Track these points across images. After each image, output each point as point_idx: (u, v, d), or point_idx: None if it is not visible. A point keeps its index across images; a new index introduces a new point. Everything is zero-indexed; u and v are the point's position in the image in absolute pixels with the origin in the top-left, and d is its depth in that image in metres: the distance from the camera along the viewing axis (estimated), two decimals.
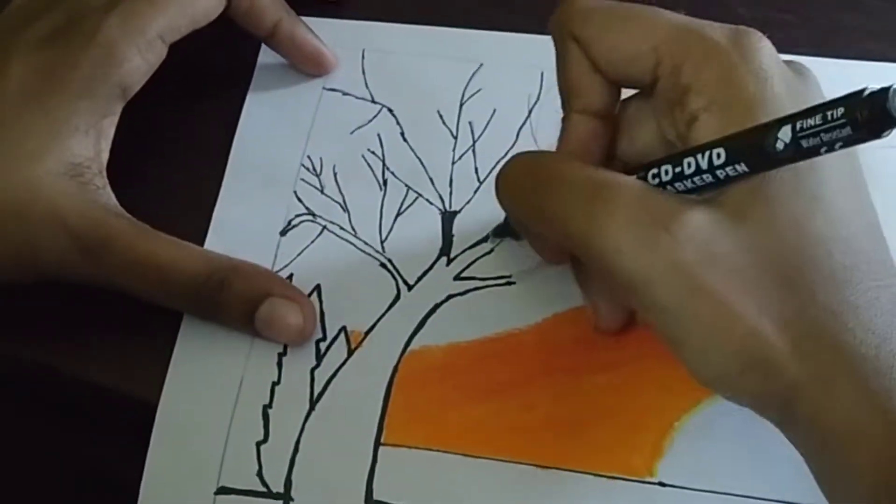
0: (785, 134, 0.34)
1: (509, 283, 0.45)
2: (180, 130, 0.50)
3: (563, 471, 0.41)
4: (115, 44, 0.44)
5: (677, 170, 0.37)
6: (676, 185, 0.37)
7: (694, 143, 0.37)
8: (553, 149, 0.48)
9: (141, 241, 0.43)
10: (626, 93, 0.41)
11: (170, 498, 0.42)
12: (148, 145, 0.49)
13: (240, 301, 0.43)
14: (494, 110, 0.50)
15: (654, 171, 0.38)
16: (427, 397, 0.43)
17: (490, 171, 0.48)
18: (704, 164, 0.36)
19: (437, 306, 0.45)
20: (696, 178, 0.37)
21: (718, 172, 0.36)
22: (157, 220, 0.44)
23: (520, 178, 0.40)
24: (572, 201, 0.37)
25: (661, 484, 0.41)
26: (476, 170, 0.48)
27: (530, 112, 0.49)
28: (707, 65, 0.37)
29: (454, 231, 0.47)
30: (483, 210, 0.47)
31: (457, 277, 0.46)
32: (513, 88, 0.50)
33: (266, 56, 0.51)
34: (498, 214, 0.46)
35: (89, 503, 0.48)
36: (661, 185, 0.38)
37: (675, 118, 0.38)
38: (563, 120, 0.41)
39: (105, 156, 0.45)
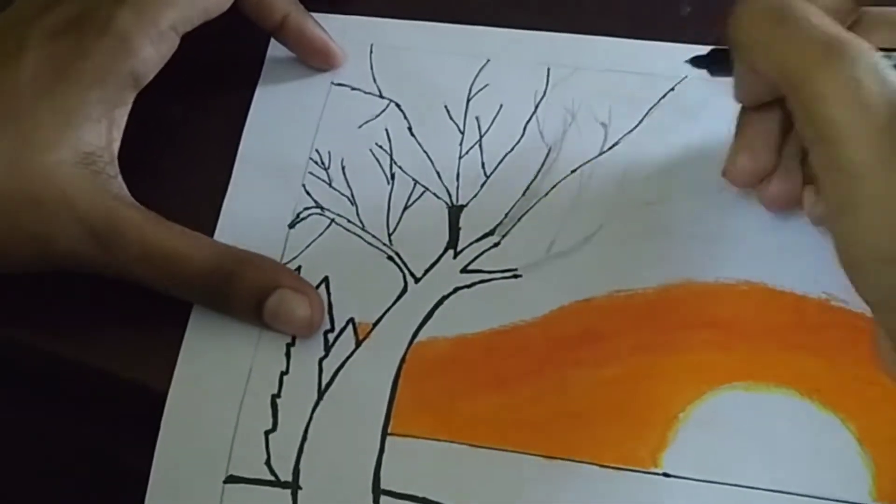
0: None
1: (516, 276, 0.46)
2: (191, 122, 0.50)
3: (569, 461, 0.42)
4: (127, 34, 0.45)
5: None
6: None
7: None
8: (558, 146, 0.49)
9: (151, 231, 0.43)
10: None
11: (179, 486, 0.42)
12: (159, 136, 0.50)
13: (249, 292, 0.44)
14: (501, 106, 0.50)
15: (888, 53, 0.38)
16: (434, 388, 0.43)
17: (496, 166, 0.48)
18: None
19: (444, 298, 0.45)
20: None
21: None
22: (167, 211, 0.45)
23: (764, 9, 0.39)
24: (809, 42, 0.37)
25: (666, 475, 0.41)
26: (483, 164, 0.48)
27: (536, 107, 0.50)
28: None
29: (461, 224, 0.47)
30: (490, 203, 0.47)
31: (464, 270, 0.46)
32: (519, 84, 0.50)
33: (275, 50, 0.52)
34: (505, 207, 0.47)
35: (99, 491, 0.49)
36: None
37: None
38: None
39: (116, 145, 0.45)
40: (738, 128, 0.44)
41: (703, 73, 0.46)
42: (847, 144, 0.35)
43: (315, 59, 0.51)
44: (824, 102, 0.36)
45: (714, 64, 0.45)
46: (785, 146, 0.44)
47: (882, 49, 0.38)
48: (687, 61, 0.46)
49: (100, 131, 0.44)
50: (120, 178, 0.44)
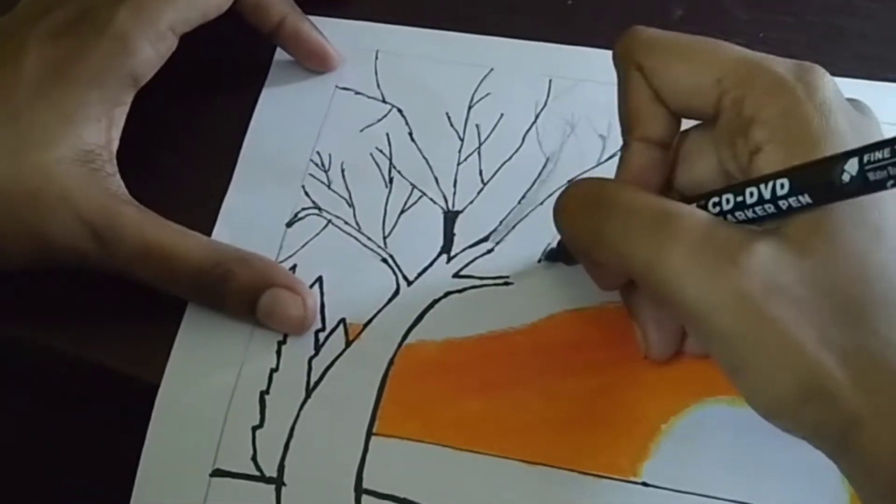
0: (852, 167, 0.34)
1: (507, 284, 0.46)
2: (194, 122, 0.51)
3: (551, 468, 0.42)
4: (126, 35, 0.45)
5: (739, 199, 0.37)
6: (737, 214, 0.37)
7: (756, 174, 0.37)
8: (556, 156, 0.49)
9: (148, 229, 0.44)
10: (686, 123, 0.42)
11: (166, 478, 0.43)
12: (161, 137, 0.50)
13: (242, 291, 0.44)
14: (502, 115, 0.51)
15: (715, 199, 0.38)
16: (421, 391, 0.44)
17: (494, 174, 0.49)
18: (767, 195, 0.36)
19: (435, 302, 0.46)
20: (757, 208, 0.37)
21: (781, 203, 0.36)
22: (166, 210, 0.45)
23: (580, 204, 0.40)
24: (635, 229, 0.37)
25: (645, 484, 0.41)
26: (480, 171, 0.49)
27: (537, 118, 0.50)
28: (771, 98, 0.37)
29: (456, 230, 0.48)
30: (485, 210, 0.48)
31: (456, 275, 0.46)
32: (521, 94, 0.51)
33: (282, 53, 0.52)
34: (500, 215, 0.47)
35: (87, 480, 0.49)
36: (722, 213, 0.38)
37: (737, 150, 0.38)
38: (623, 148, 0.41)
39: (115, 144, 0.46)
40: (629, 308, 0.43)
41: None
42: (712, 318, 0.35)
43: (311, 61, 0.52)
44: (675, 284, 0.36)
45: (567, 255, 0.45)
46: None
47: (701, 201, 0.38)
48: (541, 257, 0.46)
49: (99, 130, 0.45)
50: (118, 176, 0.45)
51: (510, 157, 0.49)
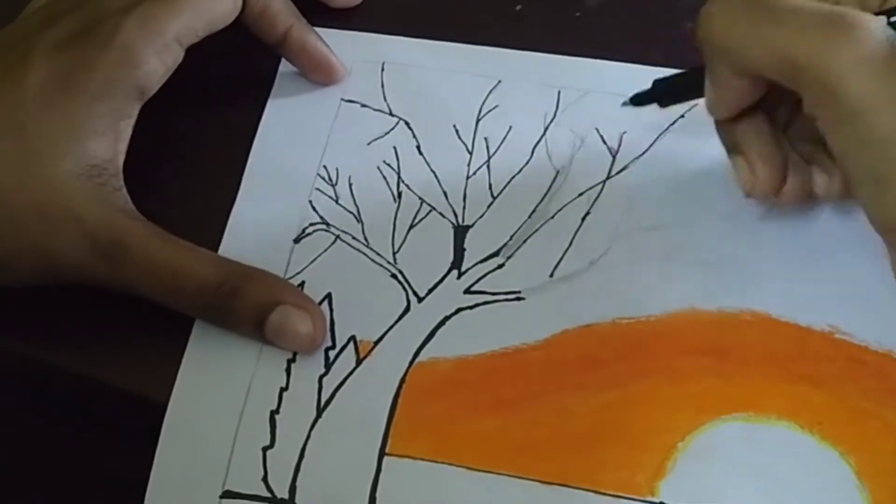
0: None
1: (518, 299, 0.46)
2: (199, 136, 0.51)
3: (567, 487, 0.41)
4: (132, 46, 0.45)
5: None
6: None
7: None
8: (566, 169, 0.49)
9: (155, 245, 0.43)
10: None
11: (175, 500, 0.42)
12: (167, 150, 0.50)
13: (251, 309, 0.44)
14: (510, 127, 0.50)
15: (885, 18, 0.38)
16: (433, 409, 0.43)
17: (504, 188, 0.48)
18: None
19: (446, 319, 0.45)
20: None
21: None
22: (172, 224, 0.45)
23: (737, 4, 0.39)
24: (806, 24, 0.37)
25: (662, 503, 0.41)
26: (490, 185, 0.48)
27: (546, 130, 0.50)
28: None
29: (466, 245, 0.47)
30: (495, 225, 0.47)
31: (467, 291, 0.46)
32: (529, 106, 0.50)
33: (287, 65, 0.52)
34: (511, 229, 0.47)
35: (95, 502, 0.49)
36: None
37: None
38: None
39: (122, 158, 0.45)
40: (736, 143, 0.44)
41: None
42: (872, 118, 0.36)
43: (316, 73, 0.51)
44: (842, 79, 0.36)
45: (661, 95, 0.45)
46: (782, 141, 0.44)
47: (881, 13, 0.38)
48: (626, 103, 0.46)
49: (105, 144, 0.44)
50: (125, 190, 0.45)
51: (520, 171, 0.49)
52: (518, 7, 0.54)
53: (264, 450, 0.43)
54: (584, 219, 0.47)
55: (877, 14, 0.38)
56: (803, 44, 0.37)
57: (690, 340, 0.44)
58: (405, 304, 0.46)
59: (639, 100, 0.46)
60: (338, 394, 0.44)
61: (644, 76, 0.49)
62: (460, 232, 0.47)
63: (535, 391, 0.43)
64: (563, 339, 0.44)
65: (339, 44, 0.52)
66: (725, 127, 0.44)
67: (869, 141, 0.36)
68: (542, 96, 0.51)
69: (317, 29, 0.51)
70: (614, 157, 0.49)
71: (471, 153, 0.49)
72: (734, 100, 0.42)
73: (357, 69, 0.52)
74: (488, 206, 0.48)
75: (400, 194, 0.48)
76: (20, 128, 0.43)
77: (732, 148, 0.44)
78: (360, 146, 0.50)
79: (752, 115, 0.43)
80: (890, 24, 0.38)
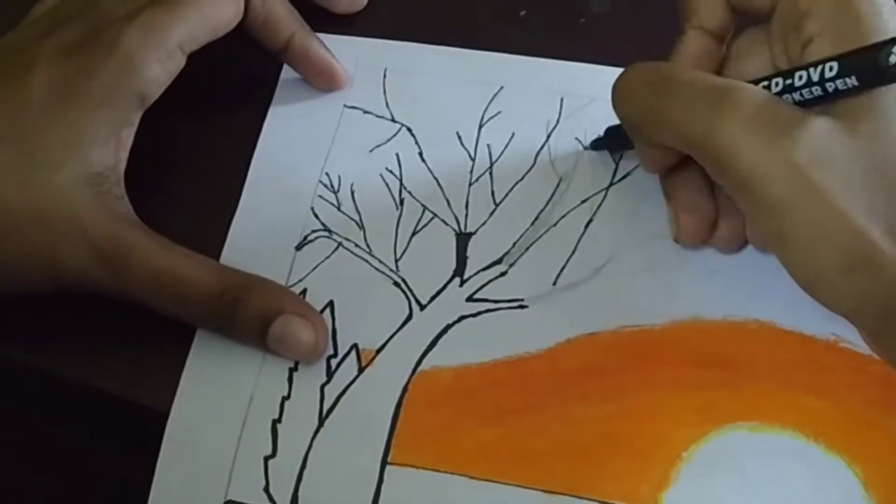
0: None
1: (522, 307, 0.45)
2: (200, 143, 0.50)
3: (570, 497, 0.41)
4: (134, 53, 0.45)
5: (788, 81, 0.39)
6: (784, 97, 0.39)
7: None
8: (569, 176, 0.48)
9: (157, 254, 0.43)
10: None
11: None
12: (169, 157, 0.50)
13: (253, 318, 0.43)
14: (513, 134, 0.50)
15: (765, 83, 0.40)
16: (436, 418, 0.43)
17: (506, 195, 0.48)
18: (816, 77, 0.38)
19: (448, 327, 0.45)
20: (805, 91, 0.39)
21: (828, 85, 0.38)
22: (174, 232, 0.44)
23: (640, 82, 0.42)
24: (696, 101, 0.39)
25: None
26: (492, 192, 0.48)
27: (548, 137, 0.49)
28: None
29: (468, 252, 0.47)
30: (498, 232, 0.47)
31: (469, 299, 0.46)
32: (532, 113, 0.50)
33: (289, 72, 0.52)
34: (513, 236, 0.47)
35: None
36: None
37: (789, 44, 0.41)
38: (678, 36, 0.44)
39: (123, 165, 0.45)
40: (667, 192, 0.45)
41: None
42: (763, 185, 0.37)
43: (319, 79, 0.51)
44: (730, 153, 0.37)
45: (612, 142, 0.47)
46: (716, 187, 0.45)
47: (757, 82, 0.40)
48: (587, 146, 0.48)
49: (107, 151, 0.44)
50: (126, 198, 0.44)
51: (522, 178, 0.49)
52: (522, 13, 0.54)
53: (266, 459, 0.42)
54: (587, 226, 0.47)
55: (755, 82, 0.40)
56: (693, 121, 0.39)
57: (695, 349, 0.44)
58: (407, 311, 0.45)
59: (595, 145, 0.49)
60: (340, 402, 0.43)
61: None
62: (463, 239, 0.47)
63: (539, 400, 0.43)
64: (567, 348, 0.44)
65: (342, 50, 0.51)
66: (661, 177, 0.46)
67: (765, 206, 0.37)
68: (545, 103, 0.50)
69: (319, 35, 0.51)
70: (617, 164, 0.48)
71: (473, 160, 0.49)
72: (655, 163, 0.44)
73: (359, 75, 0.52)
74: (491, 214, 0.48)
75: (402, 201, 0.48)
76: (22, 135, 0.43)
77: (666, 196, 0.46)
78: (363, 153, 0.50)
79: (684, 167, 0.44)
80: (765, 85, 0.40)
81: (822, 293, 0.38)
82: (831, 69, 0.38)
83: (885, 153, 0.37)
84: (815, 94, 0.38)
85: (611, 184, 0.48)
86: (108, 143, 0.44)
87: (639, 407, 0.43)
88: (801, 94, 0.39)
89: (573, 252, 0.46)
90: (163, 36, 0.45)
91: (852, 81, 0.37)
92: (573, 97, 0.50)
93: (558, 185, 0.48)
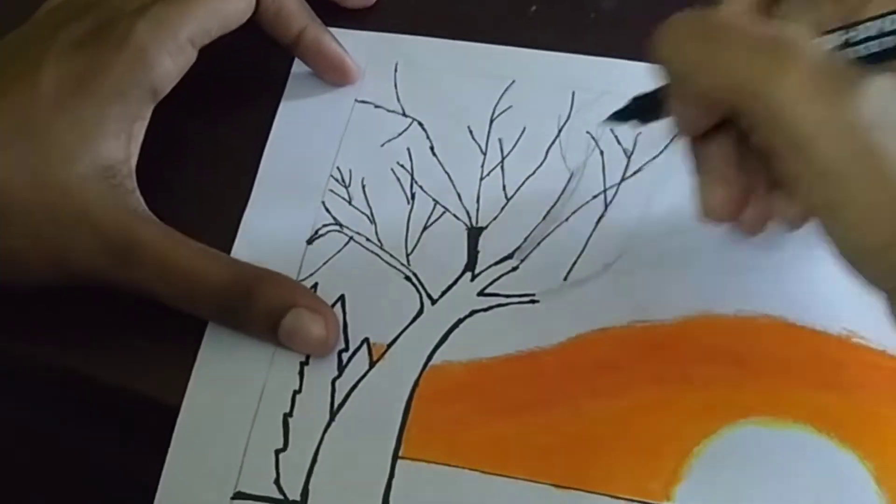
0: None
1: (533, 302, 0.45)
2: (212, 137, 0.50)
3: (579, 491, 0.41)
4: (145, 47, 0.45)
5: (851, 34, 0.37)
6: (845, 51, 0.37)
7: None
8: (580, 171, 0.48)
9: (168, 248, 0.43)
10: None
11: (186, 501, 0.42)
12: (180, 151, 0.50)
13: (264, 311, 0.43)
14: (524, 128, 0.50)
15: (825, 38, 0.38)
16: (447, 413, 0.43)
17: (517, 189, 0.48)
18: (879, 30, 0.36)
19: (459, 321, 0.45)
20: (870, 44, 0.37)
21: (891, 39, 0.36)
22: (185, 225, 0.45)
23: (690, 30, 0.39)
24: (751, 51, 0.36)
25: None
26: (504, 187, 0.48)
27: (560, 131, 0.49)
28: None
29: (479, 247, 0.47)
30: (509, 226, 0.47)
31: (481, 293, 0.46)
32: (544, 107, 0.50)
33: (299, 66, 0.52)
34: (524, 231, 0.47)
35: (107, 502, 0.49)
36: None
37: (846, 3, 0.39)
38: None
39: (135, 159, 0.45)
40: (697, 163, 0.42)
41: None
42: (820, 146, 0.35)
43: (331, 74, 0.51)
44: (787, 108, 0.35)
45: (640, 112, 0.44)
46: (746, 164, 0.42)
47: (820, 35, 0.38)
48: (605, 122, 0.45)
49: (119, 145, 0.44)
50: (138, 192, 0.44)
51: (533, 172, 0.48)
52: (533, 8, 0.53)
53: (277, 452, 0.42)
54: (598, 221, 0.47)
55: (824, 34, 0.38)
56: (747, 70, 0.36)
57: (706, 345, 0.44)
58: (419, 306, 0.45)
59: (618, 116, 0.45)
60: (351, 397, 0.43)
61: None
62: (474, 234, 0.47)
63: (550, 395, 0.43)
64: (578, 343, 0.44)
65: (353, 44, 0.51)
66: (692, 145, 0.42)
67: (815, 170, 0.35)
68: (556, 97, 0.50)
69: (331, 29, 0.51)
70: (629, 158, 0.48)
71: (484, 154, 0.49)
72: (693, 121, 0.41)
73: (371, 70, 0.52)
74: (502, 208, 0.48)
75: (413, 195, 0.48)
76: (34, 129, 0.43)
77: (696, 167, 0.42)
78: (374, 147, 0.50)
79: (719, 135, 0.41)
80: (823, 40, 0.38)
81: (869, 267, 0.36)
82: (894, 21, 0.36)
83: None
84: (882, 46, 0.37)
85: (622, 179, 0.48)
86: (119, 136, 0.44)
87: (650, 402, 0.43)
88: (867, 48, 0.37)
89: (584, 247, 0.46)
90: (174, 30, 0.45)
91: None
92: (585, 91, 0.50)
93: (570, 179, 0.48)
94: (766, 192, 0.42)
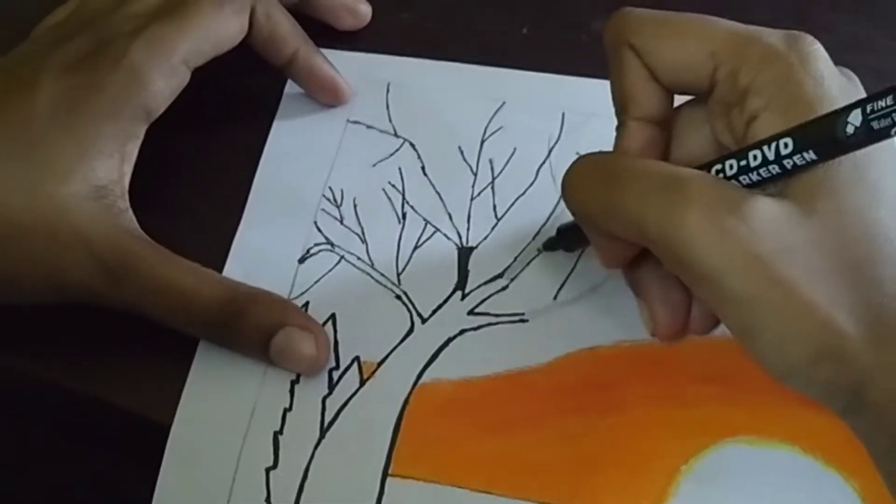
0: (855, 118, 0.35)
1: (522, 321, 0.46)
2: (204, 156, 0.51)
3: None
4: (140, 67, 0.45)
5: (742, 163, 0.37)
6: (740, 178, 0.38)
7: (752, 142, 0.38)
8: None
9: (160, 267, 0.44)
10: (678, 100, 0.42)
11: None
12: (173, 170, 0.50)
13: (255, 330, 0.44)
14: (515, 149, 0.50)
15: (718, 166, 0.38)
16: (436, 431, 0.43)
17: (508, 209, 0.48)
18: (771, 156, 0.36)
19: (449, 340, 0.45)
20: (761, 170, 0.37)
21: (786, 162, 0.36)
22: (177, 245, 0.45)
23: (590, 174, 0.40)
24: (649, 194, 0.37)
25: None
26: (494, 207, 0.49)
27: (550, 152, 0.50)
28: (765, 67, 0.38)
29: (470, 266, 0.47)
30: (499, 246, 0.47)
31: (471, 312, 0.46)
32: (534, 127, 0.51)
33: (292, 87, 0.52)
34: (514, 251, 0.47)
35: None
36: (725, 179, 0.38)
37: (732, 121, 0.39)
38: (619, 128, 0.42)
39: (128, 179, 0.45)
40: (634, 287, 0.43)
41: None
42: (725, 280, 0.36)
43: (323, 94, 0.51)
44: (688, 247, 0.36)
45: (567, 241, 0.46)
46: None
47: (709, 166, 0.38)
48: (539, 248, 0.47)
49: (112, 165, 0.44)
50: (130, 212, 0.45)
51: (524, 192, 0.49)
52: (524, 29, 0.54)
53: (268, 470, 0.43)
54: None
55: (707, 166, 0.39)
56: (647, 215, 0.37)
57: (694, 364, 0.44)
58: (409, 324, 0.46)
59: (549, 245, 0.47)
60: (341, 415, 0.44)
61: None
62: (464, 253, 0.48)
63: (539, 414, 0.43)
64: (567, 362, 0.45)
65: (345, 65, 0.52)
66: (624, 272, 0.43)
67: (728, 300, 0.36)
68: (546, 118, 0.51)
69: (323, 50, 0.51)
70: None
71: (475, 174, 0.50)
72: (613, 257, 0.42)
73: (363, 90, 0.52)
74: (492, 228, 0.48)
75: (404, 215, 0.49)
76: (28, 148, 0.44)
77: (634, 292, 0.43)
78: (366, 167, 0.50)
79: (646, 260, 0.41)
80: (717, 170, 0.38)
81: (791, 381, 0.37)
82: (786, 145, 0.36)
83: (842, 233, 0.36)
84: (773, 172, 0.37)
85: None
86: (112, 156, 0.44)
87: (638, 421, 0.43)
88: (759, 174, 0.37)
89: (574, 267, 0.47)
90: (168, 50, 0.46)
91: (810, 155, 0.36)
92: (575, 112, 0.51)
93: (559, 200, 0.48)
94: None
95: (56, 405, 0.47)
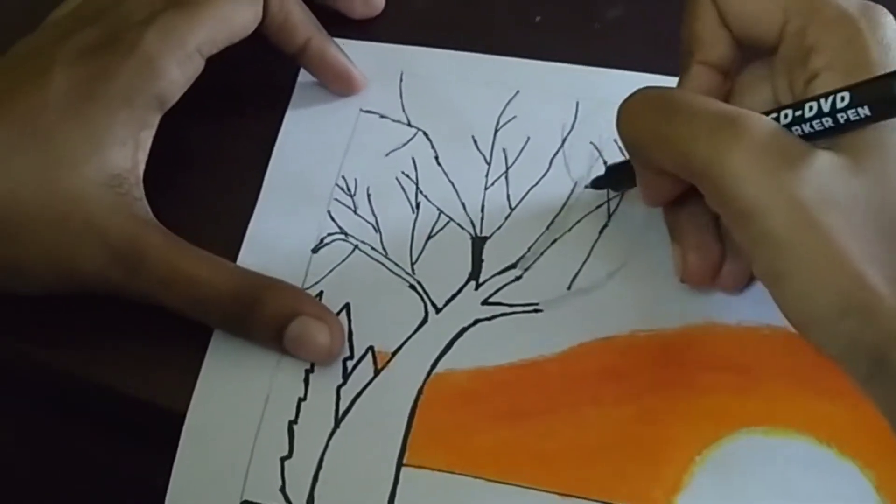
0: None
1: (536, 311, 0.46)
2: (218, 145, 0.51)
3: (583, 500, 0.41)
4: (154, 56, 0.45)
5: (797, 113, 0.38)
6: (793, 128, 0.38)
7: None
8: (584, 181, 0.49)
9: (175, 256, 0.44)
10: None
11: None
12: (186, 160, 0.50)
13: (270, 319, 0.44)
14: (528, 138, 0.50)
15: (774, 115, 0.39)
16: (451, 420, 0.43)
17: (521, 198, 0.48)
18: (827, 107, 0.37)
19: (464, 330, 0.45)
20: (815, 122, 0.38)
21: (840, 116, 0.37)
22: (191, 234, 0.45)
23: (646, 106, 0.41)
24: (701, 127, 0.38)
25: None
26: (508, 196, 0.48)
27: (563, 141, 0.50)
28: (834, 28, 0.39)
29: (484, 256, 0.47)
30: (513, 236, 0.47)
31: (485, 302, 0.46)
32: (548, 117, 0.50)
33: (305, 76, 0.52)
34: (528, 241, 0.47)
35: None
36: None
37: (794, 79, 0.40)
38: (683, 69, 0.43)
39: (142, 168, 0.45)
40: (672, 229, 0.44)
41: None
42: (764, 218, 0.36)
43: (336, 84, 0.51)
44: (733, 182, 0.37)
45: (615, 179, 0.47)
46: (721, 227, 0.43)
47: (766, 113, 0.39)
48: (587, 187, 0.47)
49: (126, 153, 0.44)
50: (144, 200, 0.45)
51: (538, 182, 0.49)
52: (537, 18, 0.54)
53: (282, 460, 0.43)
54: (602, 230, 0.47)
55: (765, 113, 0.39)
56: (697, 146, 0.38)
57: (709, 354, 0.44)
58: (423, 314, 0.46)
59: (597, 184, 0.48)
60: (355, 404, 0.44)
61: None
62: (478, 243, 0.47)
63: (553, 403, 0.43)
64: (581, 352, 0.44)
65: (358, 54, 0.52)
66: (665, 213, 0.44)
67: (764, 240, 0.37)
68: (560, 107, 0.51)
69: (336, 40, 0.51)
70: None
71: (489, 164, 0.50)
72: (657, 193, 0.43)
73: (376, 80, 0.52)
74: (506, 218, 0.48)
75: (418, 205, 0.49)
76: (41, 137, 0.44)
77: (671, 234, 0.44)
78: (379, 157, 0.50)
79: (689, 203, 0.43)
80: (774, 118, 0.39)
81: (814, 334, 0.37)
82: (843, 99, 0.37)
83: (885, 195, 0.37)
84: (826, 125, 0.38)
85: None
86: (126, 144, 0.44)
87: (652, 410, 0.43)
88: (812, 126, 0.38)
89: (588, 256, 0.47)
90: (182, 39, 0.46)
91: (864, 111, 0.37)
92: (588, 101, 0.51)
93: (573, 189, 0.48)
94: (741, 254, 0.43)
95: (70, 393, 0.47)
